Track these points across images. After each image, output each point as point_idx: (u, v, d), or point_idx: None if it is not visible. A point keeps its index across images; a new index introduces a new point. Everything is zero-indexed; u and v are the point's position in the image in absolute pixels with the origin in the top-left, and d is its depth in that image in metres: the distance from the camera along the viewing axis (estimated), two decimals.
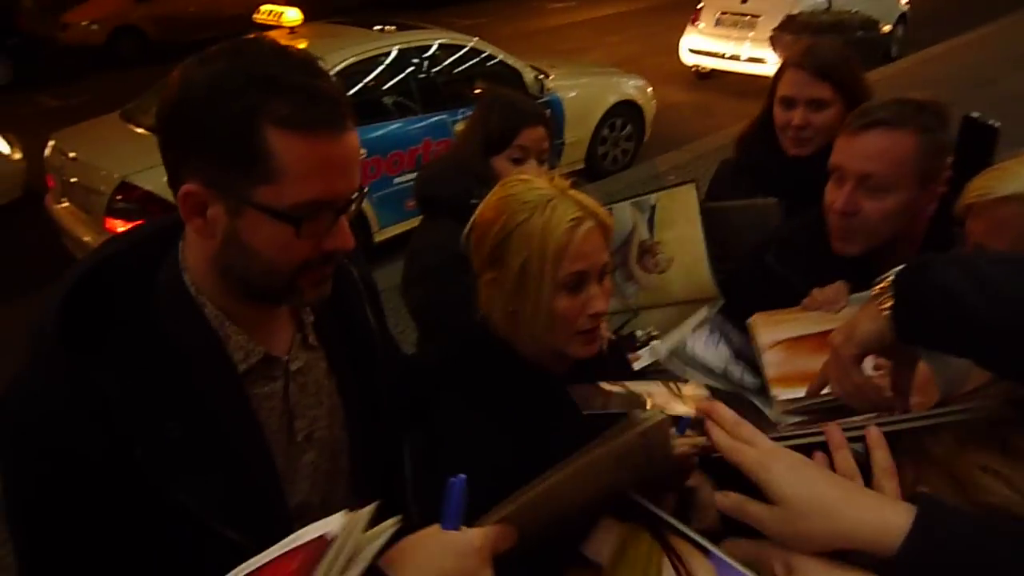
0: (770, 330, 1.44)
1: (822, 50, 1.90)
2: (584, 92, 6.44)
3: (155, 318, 0.93)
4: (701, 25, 9.49)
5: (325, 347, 1.11)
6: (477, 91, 4.81)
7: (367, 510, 0.75)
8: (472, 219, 1.27)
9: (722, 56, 9.30)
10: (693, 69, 9.73)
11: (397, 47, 5.41)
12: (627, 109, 6.75)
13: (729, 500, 0.78)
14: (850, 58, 1.93)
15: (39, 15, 12.44)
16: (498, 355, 1.26)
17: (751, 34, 8.95)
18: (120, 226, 4.38)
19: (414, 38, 5.61)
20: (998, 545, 0.68)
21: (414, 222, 2.33)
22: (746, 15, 9.19)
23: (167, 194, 4.11)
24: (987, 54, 9.73)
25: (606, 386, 1.26)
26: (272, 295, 0.99)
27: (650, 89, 6.98)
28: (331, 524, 0.71)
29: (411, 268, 2.03)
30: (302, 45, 4.96)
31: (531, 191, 1.19)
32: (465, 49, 5.75)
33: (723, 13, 9.37)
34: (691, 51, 9.57)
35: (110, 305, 0.91)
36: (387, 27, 5.71)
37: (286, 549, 0.71)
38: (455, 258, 1.56)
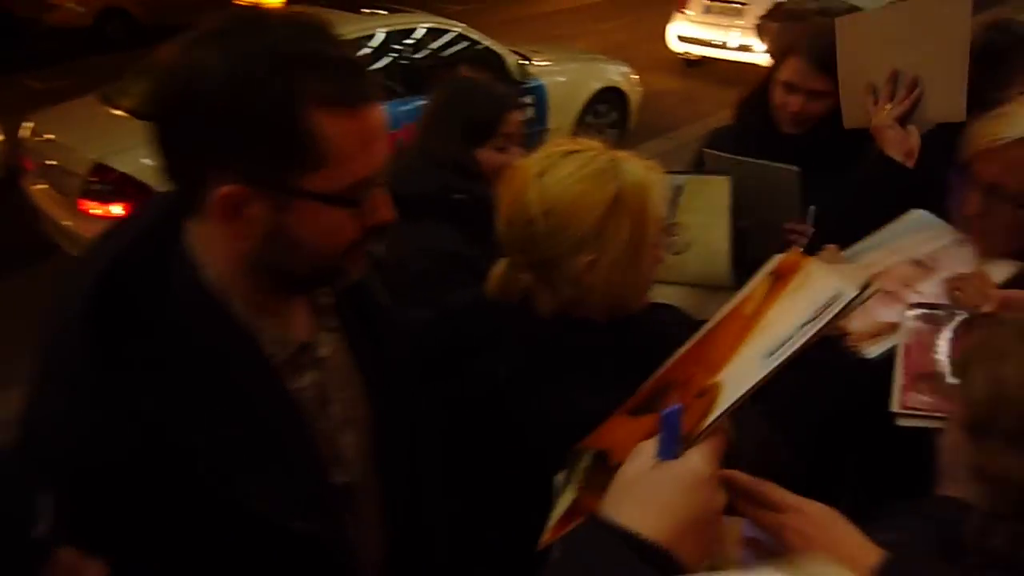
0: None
1: (825, 41, 1.90)
2: (568, 78, 6.43)
3: (180, 323, 0.87)
4: (690, 13, 9.44)
5: (343, 327, 1.08)
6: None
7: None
8: (517, 211, 1.19)
9: (710, 44, 9.27)
10: (682, 57, 9.69)
11: (380, 30, 5.39)
12: (612, 96, 6.74)
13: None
14: None
15: None
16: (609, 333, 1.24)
17: (739, 22, 8.89)
18: (94, 208, 4.37)
19: (397, 21, 5.59)
20: None
21: None
22: (734, 3, 9.14)
23: (143, 175, 4.14)
24: None
25: None
26: (316, 283, 0.97)
27: (635, 76, 6.96)
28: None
29: (399, 277, 1.82)
30: None
31: (593, 160, 1.17)
32: (448, 33, 5.73)
33: (712, 0, 9.32)
34: (680, 38, 9.52)
35: (134, 315, 0.85)
36: (377, 10, 5.70)
37: None
38: (448, 259, 1.52)
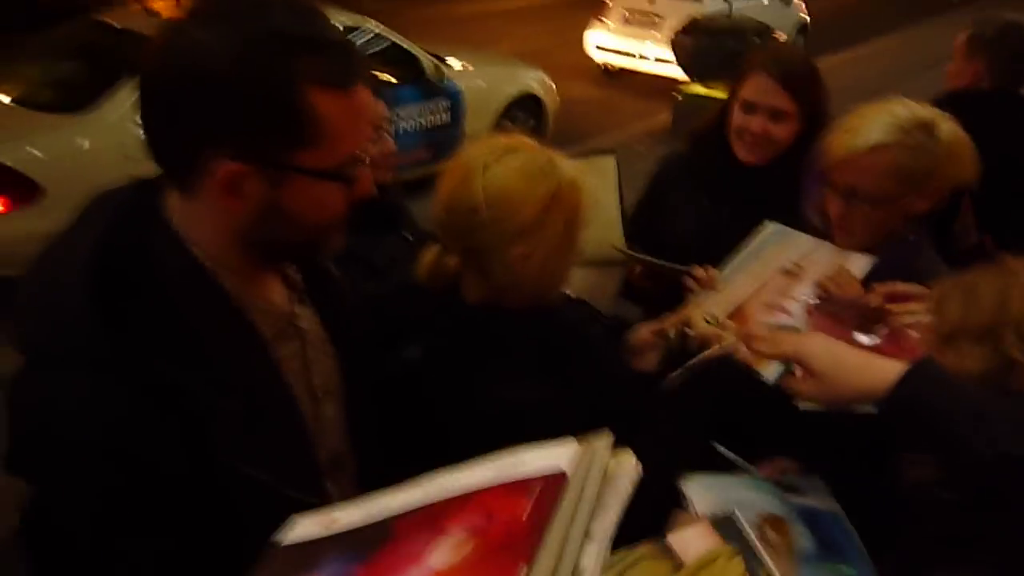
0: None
1: (790, 58, 1.86)
2: (485, 83, 6.38)
3: (177, 300, 0.89)
4: (608, 23, 9.55)
5: (313, 300, 1.11)
6: None
7: (605, 443, 0.67)
8: (460, 199, 1.24)
9: (629, 55, 9.40)
10: (601, 66, 9.79)
11: None
12: (529, 102, 6.72)
13: (788, 380, 1.10)
14: (814, 70, 1.91)
15: None
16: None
17: (656, 34, 9.06)
18: None
19: None
20: (967, 392, 0.91)
21: None
22: (653, 15, 9.30)
23: (24, 167, 3.80)
24: (884, 64, 10.19)
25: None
26: (304, 255, 1.03)
27: (552, 83, 6.96)
28: (561, 457, 0.61)
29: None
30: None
31: (533, 156, 1.25)
32: (362, 31, 5.59)
33: (630, 12, 9.46)
34: (599, 48, 9.62)
35: (135, 296, 0.86)
36: None
37: (506, 480, 0.62)
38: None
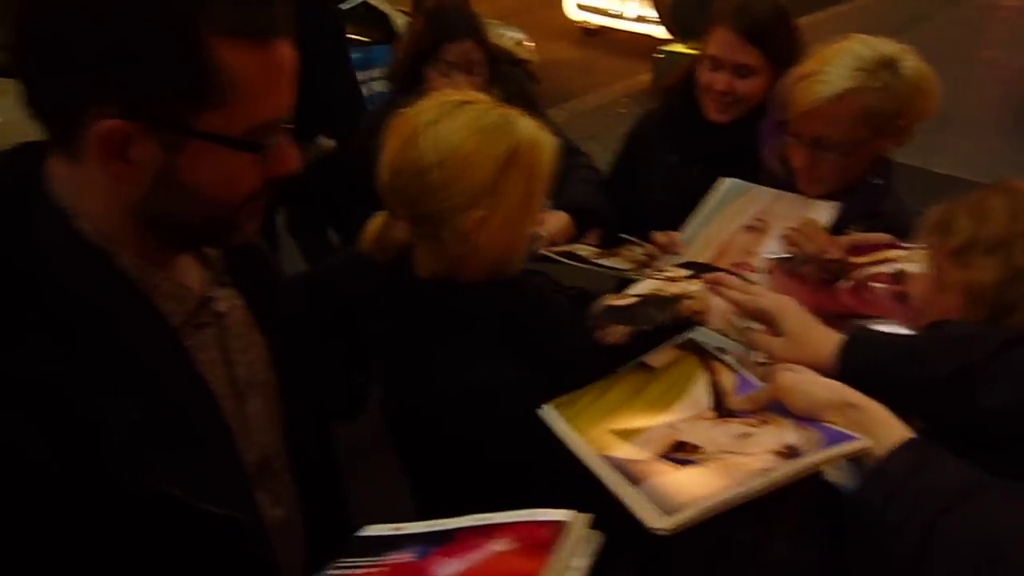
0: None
1: (754, 9, 1.72)
2: None
3: (59, 282, 0.75)
4: None
5: (235, 283, 0.97)
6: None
7: (586, 517, 0.79)
8: (407, 160, 1.13)
9: (608, 14, 9.18)
10: (580, 25, 9.56)
11: None
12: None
13: (756, 336, 1.15)
14: (783, 16, 1.75)
15: None
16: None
17: None
18: None
19: None
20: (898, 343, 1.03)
21: None
22: None
23: None
24: (865, 23, 10.00)
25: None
26: (208, 238, 0.87)
27: (531, 43, 6.77)
28: (560, 515, 0.79)
29: None
30: None
31: (487, 114, 1.13)
32: None
33: None
34: (579, 7, 9.39)
35: (8, 278, 0.73)
36: None
37: (519, 520, 0.80)
38: None
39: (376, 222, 1.23)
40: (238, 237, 0.88)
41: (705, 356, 1.19)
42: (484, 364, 1.17)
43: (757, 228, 1.54)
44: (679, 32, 7.24)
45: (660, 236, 1.51)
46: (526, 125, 1.15)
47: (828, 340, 1.06)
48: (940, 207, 1.10)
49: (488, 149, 1.11)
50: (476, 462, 1.22)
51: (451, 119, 1.11)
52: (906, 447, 0.86)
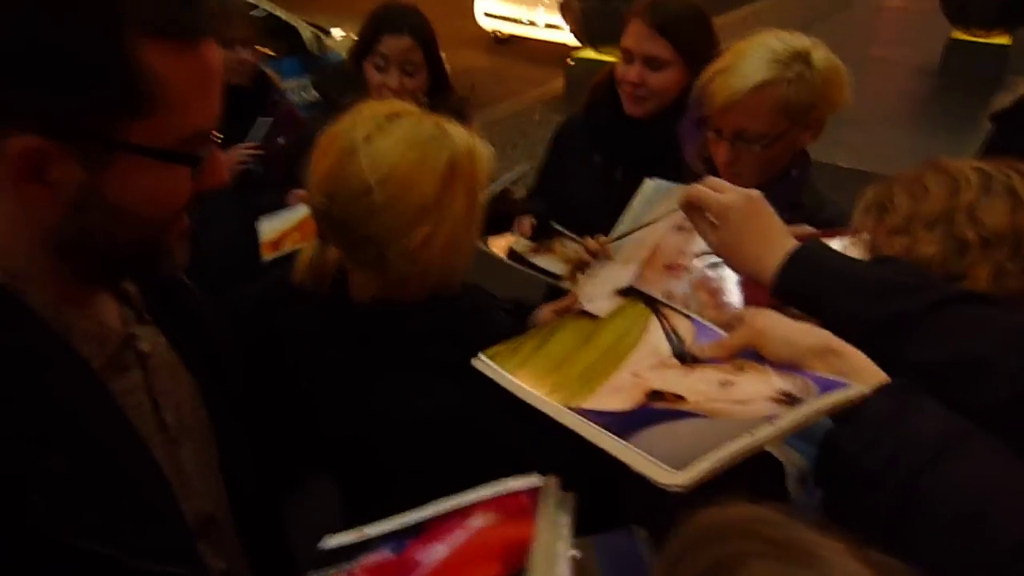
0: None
1: (668, 5, 1.75)
2: None
3: None
4: None
5: (157, 320, 0.91)
6: None
7: (555, 478, 0.77)
8: (344, 181, 1.06)
9: (519, 21, 9.24)
10: (492, 34, 9.59)
11: None
12: None
13: (698, 220, 1.08)
14: (697, 14, 1.79)
15: None
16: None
17: (546, 0, 8.93)
18: None
19: None
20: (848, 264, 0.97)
21: None
22: None
23: None
24: (773, 21, 10.36)
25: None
26: (135, 266, 0.80)
27: (441, 53, 6.73)
28: (531, 481, 0.77)
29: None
30: None
31: (421, 126, 1.09)
32: None
33: None
34: (487, 15, 9.42)
35: None
36: None
37: (493, 495, 0.77)
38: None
39: (308, 250, 1.17)
40: (166, 264, 0.82)
41: (652, 302, 1.13)
42: (433, 390, 1.11)
43: (686, 228, 1.50)
44: (587, 39, 7.34)
45: (592, 243, 1.51)
46: (460, 134, 1.11)
47: (769, 244, 1.00)
48: (873, 188, 1.10)
49: (428, 162, 1.06)
50: (422, 489, 1.17)
51: (385, 134, 1.06)
52: (884, 392, 0.81)
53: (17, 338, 0.71)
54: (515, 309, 1.38)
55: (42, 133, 0.65)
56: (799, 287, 0.97)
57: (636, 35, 1.77)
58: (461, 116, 2.08)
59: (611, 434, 0.82)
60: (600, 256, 1.48)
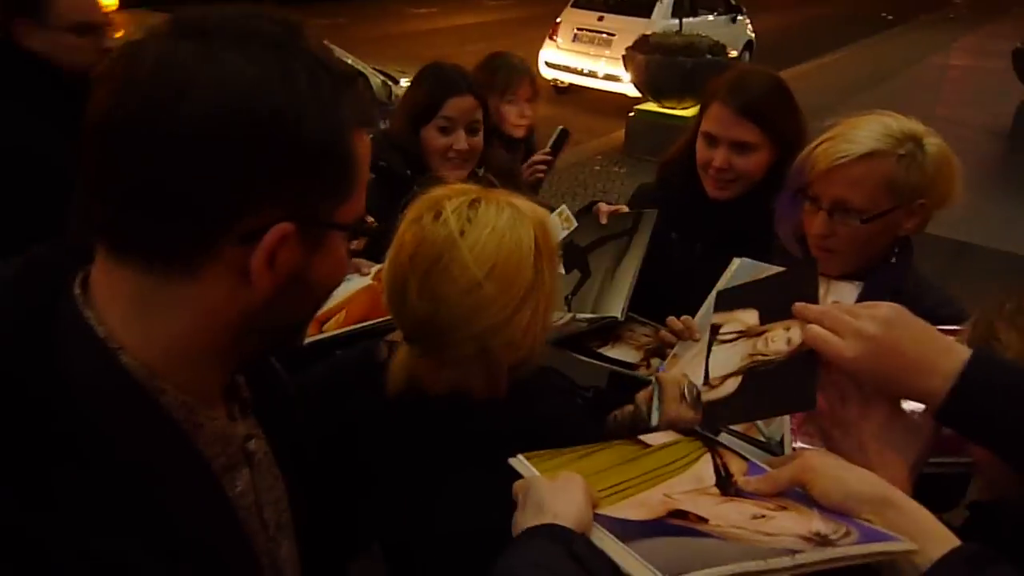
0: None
1: (750, 84, 1.70)
2: None
3: (100, 433, 0.64)
4: (559, 40, 9.52)
5: (257, 411, 0.86)
6: None
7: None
8: (448, 283, 1.02)
9: (579, 72, 9.36)
10: (552, 83, 9.73)
11: None
12: None
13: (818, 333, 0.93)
14: (781, 91, 1.72)
15: None
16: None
17: (607, 52, 9.06)
18: None
19: None
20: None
21: None
22: (602, 32, 9.29)
23: None
24: (827, 81, 10.34)
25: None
26: (286, 342, 0.81)
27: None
28: None
29: None
30: (118, 35, 4.41)
31: (496, 204, 1.06)
32: None
33: (580, 29, 9.45)
34: (548, 65, 9.56)
35: (43, 431, 0.62)
36: None
37: None
38: None
39: (401, 359, 1.13)
40: (300, 339, 0.84)
41: (710, 441, 1.07)
42: (492, 504, 0.99)
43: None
44: (649, 92, 7.37)
45: (676, 323, 1.42)
46: (528, 207, 1.08)
47: (945, 351, 0.86)
48: (972, 327, 1.00)
49: (522, 244, 1.03)
50: None
51: (476, 226, 1.03)
52: (957, 559, 0.74)
53: (147, 444, 0.68)
54: (595, 399, 1.32)
55: (291, 219, 0.67)
56: (983, 401, 0.84)
57: (719, 120, 1.69)
58: (511, 173, 2.07)
59: (612, 536, 0.80)
60: (684, 337, 1.40)
